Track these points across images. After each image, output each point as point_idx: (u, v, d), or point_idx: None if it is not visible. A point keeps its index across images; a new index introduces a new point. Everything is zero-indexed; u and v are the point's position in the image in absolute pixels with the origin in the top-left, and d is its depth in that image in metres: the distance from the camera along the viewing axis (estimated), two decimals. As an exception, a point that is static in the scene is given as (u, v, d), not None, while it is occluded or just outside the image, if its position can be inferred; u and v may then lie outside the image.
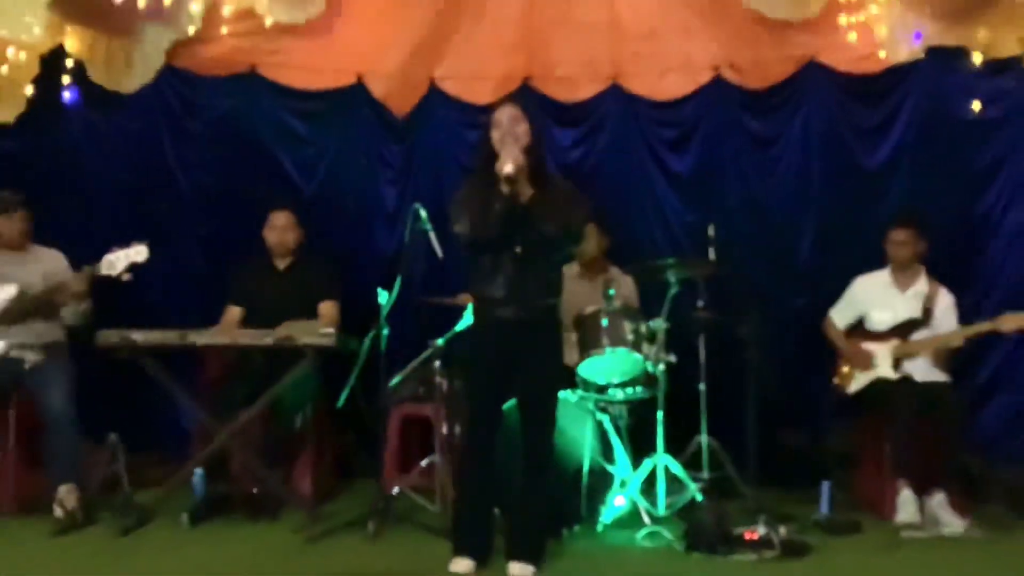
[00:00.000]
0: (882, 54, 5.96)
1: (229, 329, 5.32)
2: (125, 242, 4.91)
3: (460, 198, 4.12)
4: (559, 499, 4.44)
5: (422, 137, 6.47)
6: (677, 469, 4.95)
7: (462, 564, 3.99)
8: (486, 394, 4.12)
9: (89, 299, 5.07)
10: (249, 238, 5.90)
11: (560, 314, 4.25)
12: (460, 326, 4.88)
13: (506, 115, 4.05)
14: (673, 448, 5.06)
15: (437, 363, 5.16)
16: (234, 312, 5.49)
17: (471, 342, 4.27)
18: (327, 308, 5.45)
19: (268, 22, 6.03)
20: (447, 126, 6.43)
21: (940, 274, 5.45)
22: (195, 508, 4.82)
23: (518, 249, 3.99)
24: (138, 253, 4.84)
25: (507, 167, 3.84)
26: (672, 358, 5.05)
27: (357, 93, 6.39)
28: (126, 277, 4.87)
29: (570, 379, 5.00)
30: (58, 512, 4.70)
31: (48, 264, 5.18)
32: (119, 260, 4.83)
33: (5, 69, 5.68)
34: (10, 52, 5.58)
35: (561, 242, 4.06)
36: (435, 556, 4.17)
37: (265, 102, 6.37)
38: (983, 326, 5.11)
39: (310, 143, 6.46)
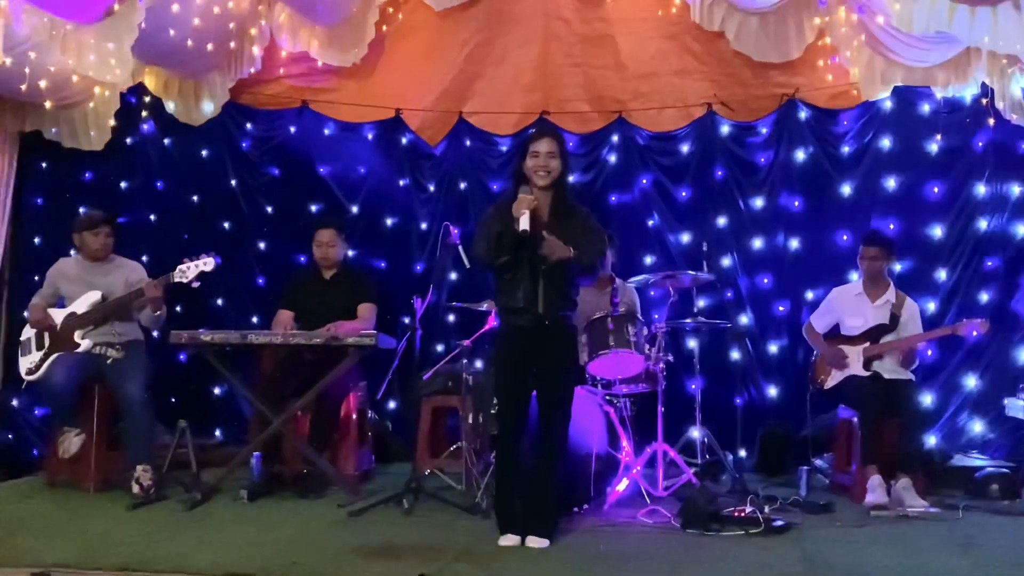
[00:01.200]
0: (855, 92, 5.99)
1: (282, 330, 5.35)
2: (194, 253, 4.96)
3: (483, 221, 4.09)
4: (571, 481, 4.43)
5: (451, 163, 6.47)
6: (674, 455, 4.96)
7: (509, 539, 3.97)
8: (511, 390, 4.09)
9: (164, 306, 5.08)
10: (300, 251, 5.95)
11: (575, 321, 4.21)
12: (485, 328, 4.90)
13: (544, 148, 3.97)
14: (671, 437, 5.07)
15: (464, 360, 5.17)
16: (285, 315, 5.48)
17: (496, 345, 4.25)
18: (363, 309, 5.43)
19: (319, 64, 6.10)
20: (473, 154, 6.44)
21: (907, 285, 5.46)
22: (252, 486, 4.85)
23: (543, 267, 3.94)
24: (206, 264, 4.89)
25: (522, 225, 3.82)
26: (670, 358, 5.06)
27: (395, 125, 6.43)
28: (196, 284, 4.92)
29: (581, 376, 5.02)
30: (135, 488, 4.74)
31: (129, 273, 5.21)
32: (190, 270, 4.88)
33: (93, 104, 5.77)
34: (97, 90, 5.65)
35: (575, 269, 4.00)
36: (461, 528, 4.20)
37: (315, 133, 6.42)
38: (943, 330, 5.12)
39: (354, 168, 6.48)
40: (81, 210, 5.76)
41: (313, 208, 6.39)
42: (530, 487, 4.03)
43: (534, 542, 3.93)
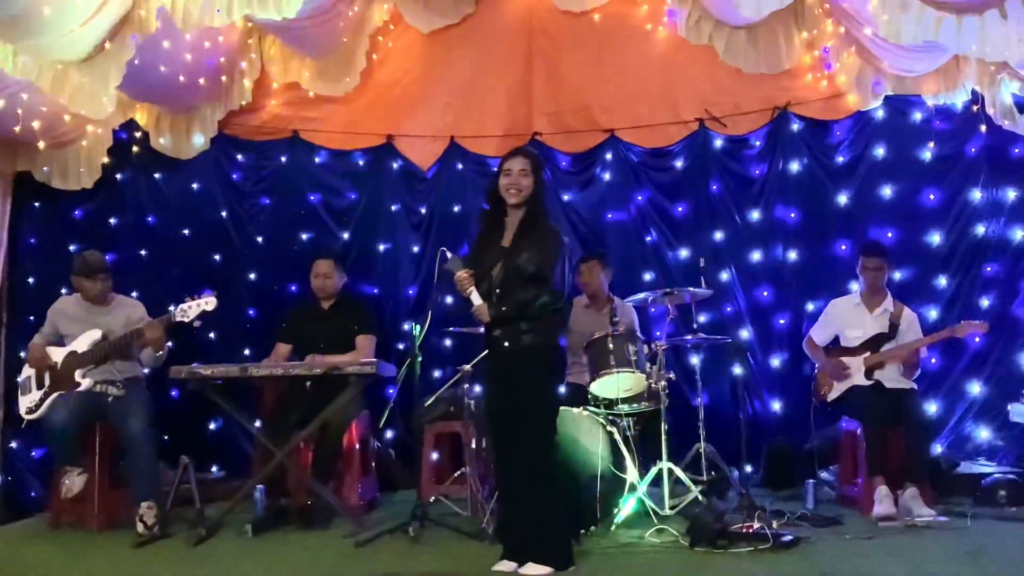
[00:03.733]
0: (848, 101, 6.12)
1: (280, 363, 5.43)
2: (188, 286, 5.03)
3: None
4: (577, 503, 4.49)
5: (443, 186, 6.59)
6: (679, 473, 5.03)
7: (503, 566, 3.96)
8: (495, 414, 4.13)
9: (166, 345, 5.17)
10: (292, 281, 5.99)
11: (550, 344, 4.14)
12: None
13: (516, 166, 4.05)
14: (675, 454, 5.13)
15: (465, 385, 5.25)
16: (283, 349, 5.57)
17: (482, 368, 4.33)
18: (362, 341, 5.51)
19: (310, 94, 6.21)
20: (464, 176, 6.56)
21: (907, 294, 5.56)
22: (257, 520, 4.90)
23: (498, 290, 4.00)
24: (208, 303, 4.96)
25: (475, 302, 3.98)
26: (672, 375, 5.14)
27: (386, 151, 6.55)
28: (197, 324, 5.00)
29: (583, 396, 5.10)
30: (139, 527, 4.77)
31: (129, 312, 5.28)
32: (191, 309, 4.96)
33: (85, 143, 5.87)
34: (89, 128, 5.75)
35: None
36: (469, 554, 4.26)
37: (306, 162, 6.53)
38: (942, 334, 5.21)
39: (346, 195, 6.60)
40: (74, 248, 5.86)
41: (305, 237, 6.49)
42: (526, 513, 4.00)
43: (531, 569, 3.88)
